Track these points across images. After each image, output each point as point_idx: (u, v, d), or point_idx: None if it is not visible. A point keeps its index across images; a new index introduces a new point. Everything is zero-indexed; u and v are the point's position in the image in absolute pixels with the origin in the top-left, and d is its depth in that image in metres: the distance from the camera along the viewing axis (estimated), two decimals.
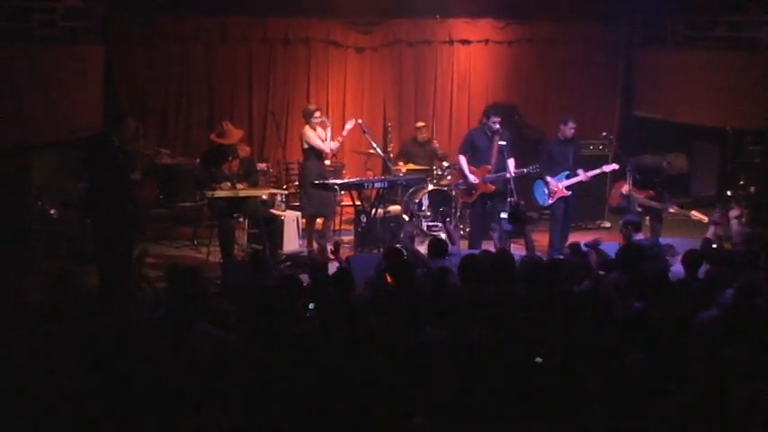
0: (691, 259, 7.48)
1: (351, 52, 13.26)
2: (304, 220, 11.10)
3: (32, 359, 5.45)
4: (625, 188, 10.80)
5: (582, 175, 10.91)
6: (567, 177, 10.87)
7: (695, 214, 10.59)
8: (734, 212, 9.16)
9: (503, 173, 10.44)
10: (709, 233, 8.91)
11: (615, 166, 11.02)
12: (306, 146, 10.65)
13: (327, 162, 11.25)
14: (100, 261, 9.05)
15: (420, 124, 12.77)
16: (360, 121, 11.08)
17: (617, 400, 4.99)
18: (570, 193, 10.91)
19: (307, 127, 10.65)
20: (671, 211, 10.81)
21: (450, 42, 13.57)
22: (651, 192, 10.83)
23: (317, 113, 10.71)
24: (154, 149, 11.53)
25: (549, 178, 10.78)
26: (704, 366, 5.20)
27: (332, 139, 10.71)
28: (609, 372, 5.23)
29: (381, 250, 10.01)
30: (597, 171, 11.04)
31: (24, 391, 5.08)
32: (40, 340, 5.84)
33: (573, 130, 10.95)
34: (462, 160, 10.77)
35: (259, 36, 12.81)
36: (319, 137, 10.60)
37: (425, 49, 13.54)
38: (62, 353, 5.60)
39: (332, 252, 8.59)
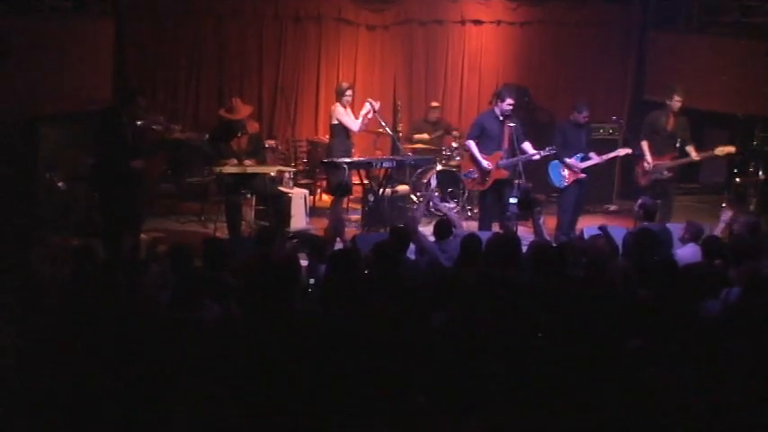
0: (711, 246, 7.46)
1: (362, 30, 13.20)
2: (312, 198, 11.17)
3: (38, 332, 5.48)
4: (647, 160, 10.75)
5: (596, 158, 10.87)
6: (582, 160, 10.81)
7: (720, 150, 10.59)
8: (728, 214, 9.06)
9: (515, 158, 10.28)
10: (718, 230, 8.86)
11: (628, 150, 10.98)
12: (335, 122, 10.72)
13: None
14: (107, 234, 9.08)
15: (435, 104, 12.80)
16: (371, 100, 11.07)
17: (618, 385, 5.00)
18: (585, 175, 10.86)
19: (338, 104, 10.73)
20: (696, 157, 10.75)
21: (462, 22, 13.49)
22: (672, 153, 10.78)
23: (349, 92, 10.78)
24: (165, 125, 11.53)
25: (568, 160, 10.69)
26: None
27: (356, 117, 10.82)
28: (610, 358, 5.24)
29: (388, 230, 10.04)
30: (612, 155, 10.99)
31: (29, 364, 5.11)
32: (46, 313, 5.87)
33: (586, 119, 10.88)
34: (473, 146, 10.47)
35: (270, 13, 12.75)
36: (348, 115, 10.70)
37: (437, 29, 13.47)
38: (69, 326, 5.63)
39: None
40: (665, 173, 10.73)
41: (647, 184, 10.75)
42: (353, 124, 10.72)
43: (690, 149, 10.75)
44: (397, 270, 6.89)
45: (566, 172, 10.77)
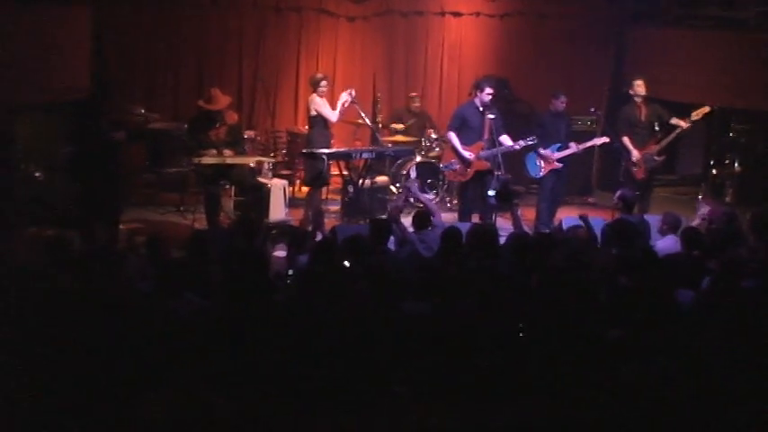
0: (690, 237, 7.50)
1: (342, 21, 13.16)
2: (291, 189, 11.14)
3: (14, 323, 5.44)
4: (634, 155, 10.74)
5: (574, 147, 10.92)
6: (559, 150, 10.87)
7: (696, 113, 10.59)
8: (705, 209, 9.07)
9: (496, 149, 10.30)
10: (695, 223, 8.89)
11: (606, 139, 11.05)
12: (314, 113, 10.68)
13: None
14: (85, 225, 9.04)
15: (413, 94, 12.76)
16: (350, 90, 11.07)
17: (597, 376, 5.03)
18: (562, 165, 10.90)
19: (315, 95, 10.66)
20: (685, 125, 10.66)
21: (442, 14, 13.48)
22: (655, 138, 10.76)
23: (324, 82, 10.73)
24: (144, 115, 11.48)
25: (542, 150, 10.77)
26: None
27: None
28: (591, 348, 5.27)
29: (367, 221, 10.04)
30: (589, 143, 11.06)
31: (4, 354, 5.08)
32: (23, 303, 5.83)
33: (564, 104, 10.96)
34: (454, 137, 10.49)
35: (250, 2, 12.67)
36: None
37: (417, 21, 13.46)
38: (47, 317, 5.59)
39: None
40: (657, 158, 10.77)
41: (645, 175, 10.73)
42: (332, 115, 10.69)
43: (675, 121, 10.72)
44: (371, 261, 6.89)
45: (541, 162, 10.84)
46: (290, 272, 6.88)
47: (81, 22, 11.33)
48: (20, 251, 8.72)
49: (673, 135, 10.73)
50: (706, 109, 10.64)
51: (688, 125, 10.67)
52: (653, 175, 10.87)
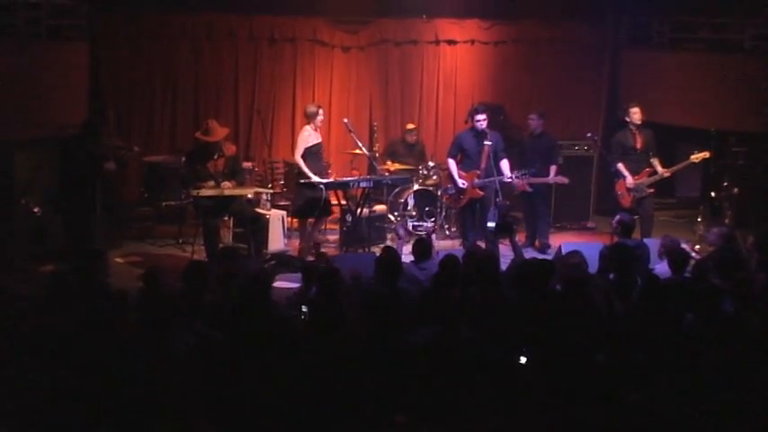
0: (677, 259, 7.49)
1: (337, 51, 13.22)
2: (289, 219, 11.13)
3: (14, 357, 5.43)
4: (628, 181, 10.74)
5: (552, 175, 11.09)
6: (534, 175, 10.95)
7: (696, 156, 10.68)
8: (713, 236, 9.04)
9: (492, 178, 10.40)
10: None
11: (561, 179, 11.28)
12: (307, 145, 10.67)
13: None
14: (84, 258, 9.01)
15: (410, 126, 12.71)
16: (346, 120, 11.09)
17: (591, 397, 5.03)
18: (532, 189, 11.14)
19: (306, 127, 10.59)
20: (667, 174, 10.78)
21: (437, 42, 13.56)
22: (648, 169, 10.79)
23: (320, 111, 10.66)
24: (126, 150, 11.49)
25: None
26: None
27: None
28: (583, 372, 5.26)
29: (366, 250, 10.06)
30: (548, 180, 11.28)
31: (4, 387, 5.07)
32: (23, 337, 5.82)
33: (534, 122, 11.29)
34: (452, 164, 10.74)
35: (245, 34, 12.75)
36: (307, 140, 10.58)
37: (412, 49, 13.52)
38: (46, 353, 5.58)
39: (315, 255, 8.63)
40: (647, 189, 10.76)
41: (631, 204, 10.70)
42: (297, 154, 10.56)
43: (655, 163, 10.78)
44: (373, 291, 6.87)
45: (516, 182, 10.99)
46: (303, 308, 6.82)
47: (79, 59, 11.39)
48: (19, 286, 8.71)
49: (657, 176, 10.75)
50: (706, 154, 10.70)
51: (668, 173, 10.76)
52: (641, 203, 10.78)
